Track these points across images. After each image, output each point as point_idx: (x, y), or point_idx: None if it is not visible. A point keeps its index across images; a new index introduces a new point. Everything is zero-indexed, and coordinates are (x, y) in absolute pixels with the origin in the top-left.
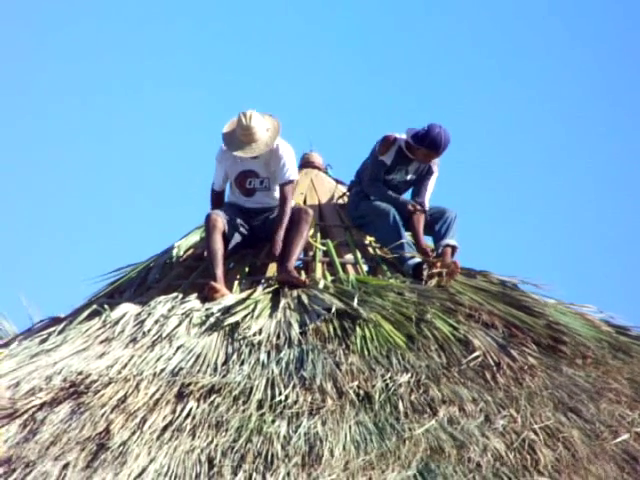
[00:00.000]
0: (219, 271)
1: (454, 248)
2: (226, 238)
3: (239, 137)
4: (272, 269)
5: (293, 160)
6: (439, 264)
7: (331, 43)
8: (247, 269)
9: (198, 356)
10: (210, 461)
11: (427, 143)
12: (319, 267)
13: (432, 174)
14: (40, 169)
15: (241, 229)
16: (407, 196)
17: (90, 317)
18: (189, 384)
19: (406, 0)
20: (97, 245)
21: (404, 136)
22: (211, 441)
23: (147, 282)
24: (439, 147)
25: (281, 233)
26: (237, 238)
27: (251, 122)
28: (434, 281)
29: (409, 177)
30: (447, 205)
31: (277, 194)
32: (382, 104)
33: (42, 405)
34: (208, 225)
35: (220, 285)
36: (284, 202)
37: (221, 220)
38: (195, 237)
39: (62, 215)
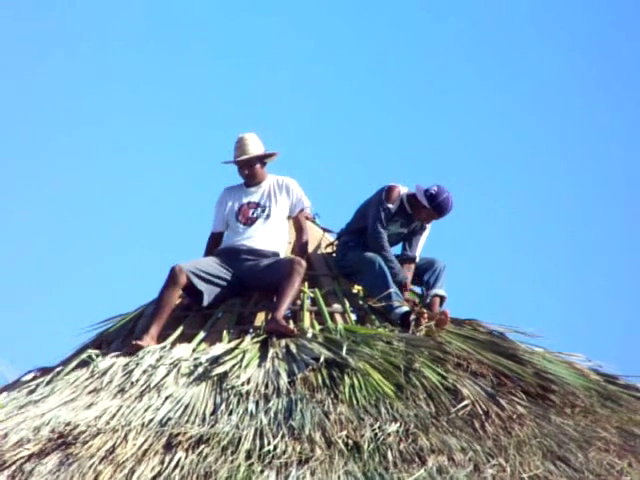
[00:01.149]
0: (154, 329)
1: (442, 298)
2: (191, 291)
3: (234, 153)
4: (260, 318)
5: (301, 190)
6: (426, 315)
7: (320, 95)
8: (235, 318)
9: (186, 406)
10: None
11: (434, 205)
12: (307, 316)
13: (425, 230)
14: (26, 215)
15: (219, 281)
16: (397, 249)
17: (78, 367)
18: (177, 434)
19: (400, 50)
20: (84, 295)
21: (406, 189)
22: None
23: (135, 332)
24: (444, 211)
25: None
26: (213, 290)
27: (246, 135)
28: (423, 331)
29: (402, 230)
30: (436, 254)
31: (274, 229)
32: (370, 155)
33: (30, 456)
34: (168, 277)
35: (145, 342)
36: (300, 231)
37: (184, 276)
38: None
39: (50, 265)
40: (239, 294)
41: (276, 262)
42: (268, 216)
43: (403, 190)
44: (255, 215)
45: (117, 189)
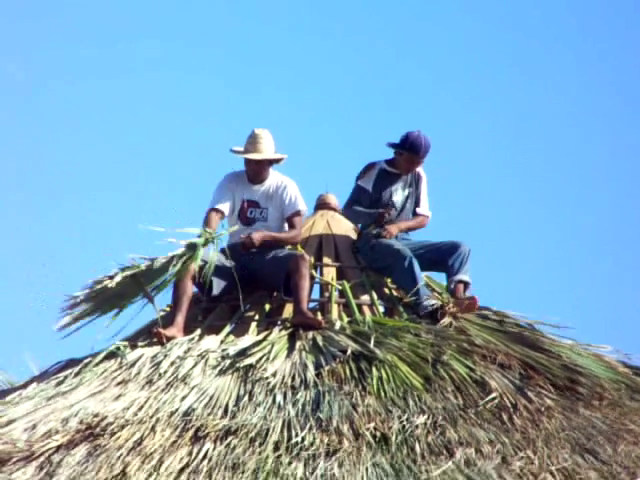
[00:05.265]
0: (179, 317)
1: (466, 284)
2: (199, 282)
3: (246, 145)
4: (288, 311)
5: (298, 193)
6: (451, 306)
7: (349, 87)
8: (265, 310)
9: (213, 398)
10: None
11: (408, 146)
12: (335, 308)
13: (421, 180)
14: (41, 209)
15: (227, 271)
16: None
17: (106, 359)
18: (205, 426)
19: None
20: None
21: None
22: None
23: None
24: (420, 149)
25: (277, 238)
26: (221, 280)
27: (262, 133)
28: (448, 318)
29: (406, 192)
30: (463, 239)
31: (272, 230)
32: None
33: (58, 447)
34: None
35: (171, 332)
36: (292, 229)
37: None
38: None
39: (78, 255)
40: (247, 285)
41: (282, 256)
42: (265, 219)
43: (380, 161)
44: (253, 216)
45: (124, 191)
